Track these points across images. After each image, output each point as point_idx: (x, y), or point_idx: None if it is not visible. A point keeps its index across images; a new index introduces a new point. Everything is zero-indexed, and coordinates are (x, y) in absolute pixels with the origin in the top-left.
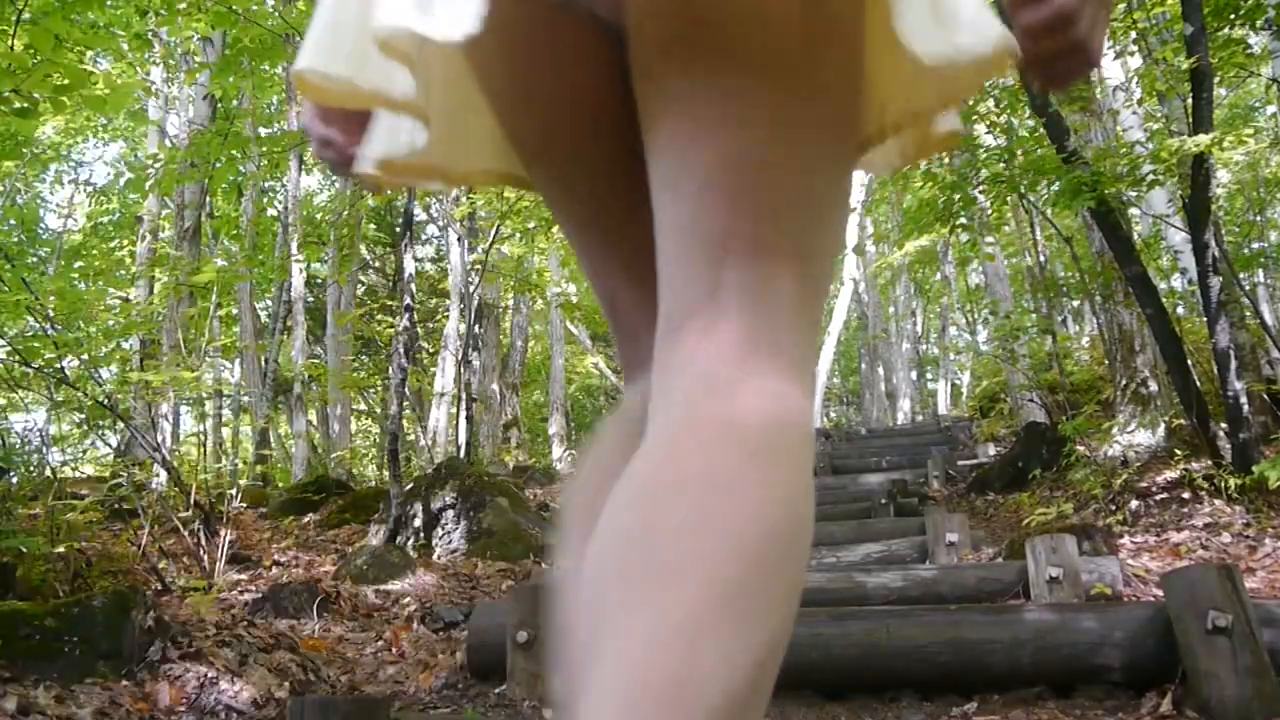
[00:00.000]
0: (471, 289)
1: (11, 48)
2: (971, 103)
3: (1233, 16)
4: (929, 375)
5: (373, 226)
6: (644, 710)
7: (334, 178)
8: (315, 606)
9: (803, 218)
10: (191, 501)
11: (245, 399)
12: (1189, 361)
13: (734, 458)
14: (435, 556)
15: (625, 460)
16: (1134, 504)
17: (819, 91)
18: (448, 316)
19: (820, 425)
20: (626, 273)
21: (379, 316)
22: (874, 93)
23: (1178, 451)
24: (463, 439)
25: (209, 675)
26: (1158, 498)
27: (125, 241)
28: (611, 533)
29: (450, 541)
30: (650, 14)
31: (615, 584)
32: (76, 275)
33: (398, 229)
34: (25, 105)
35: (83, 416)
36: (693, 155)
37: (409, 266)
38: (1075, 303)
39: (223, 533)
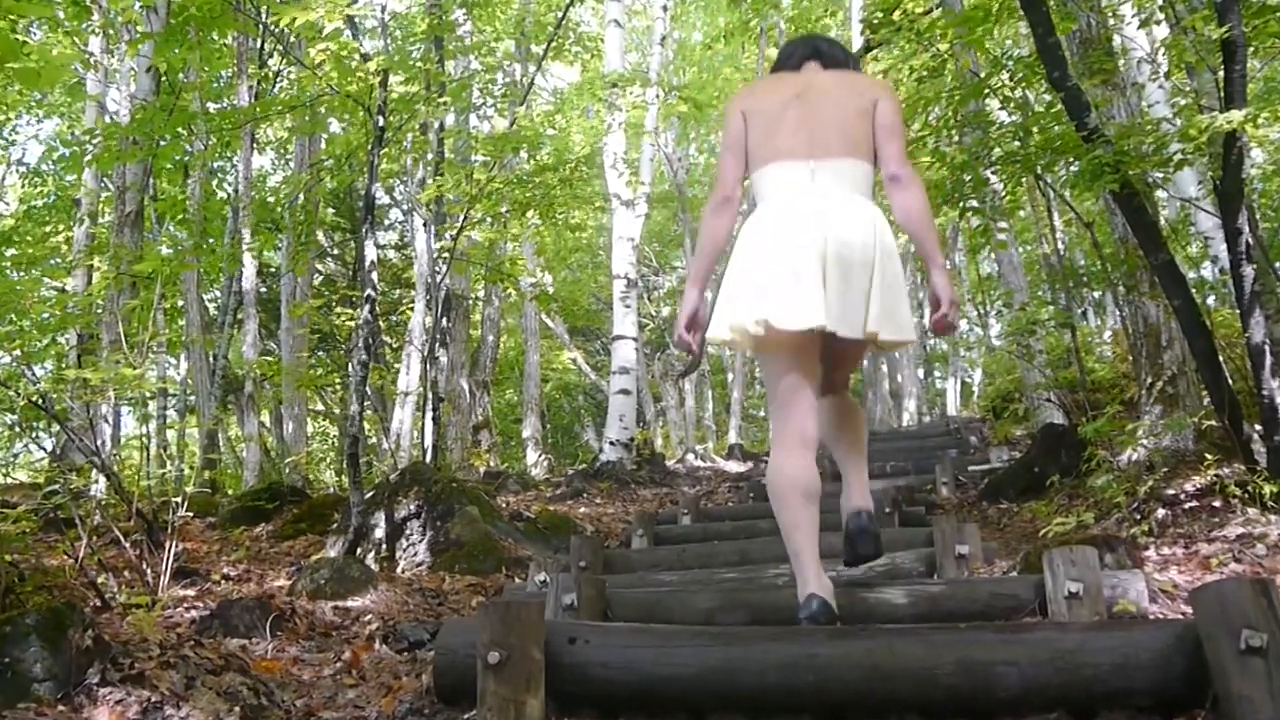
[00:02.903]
0: (439, 279)
1: None
2: (984, 75)
3: None
4: (937, 373)
5: (331, 211)
6: (856, 455)
7: (290, 157)
8: (268, 624)
9: (853, 370)
10: (133, 510)
11: (192, 399)
12: (1220, 358)
13: (856, 412)
14: (399, 570)
15: (815, 442)
16: (1160, 513)
17: (863, 352)
18: (412, 308)
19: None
20: (803, 391)
21: (338, 309)
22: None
23: (1208, 456)
24: (429, 442)
25: (152, 700)
26: (1186, 506)
27: (61, 226)
28: (840, 413)
29: (415, 554)
30: (830, 345)
31: (845, 428)
32: (8, 263)
33: (358, 213)
34: None
35: (15, 418)
36: (841, 363)
37: (370, 254)
38: (1096, 294)
39: (167, 544)
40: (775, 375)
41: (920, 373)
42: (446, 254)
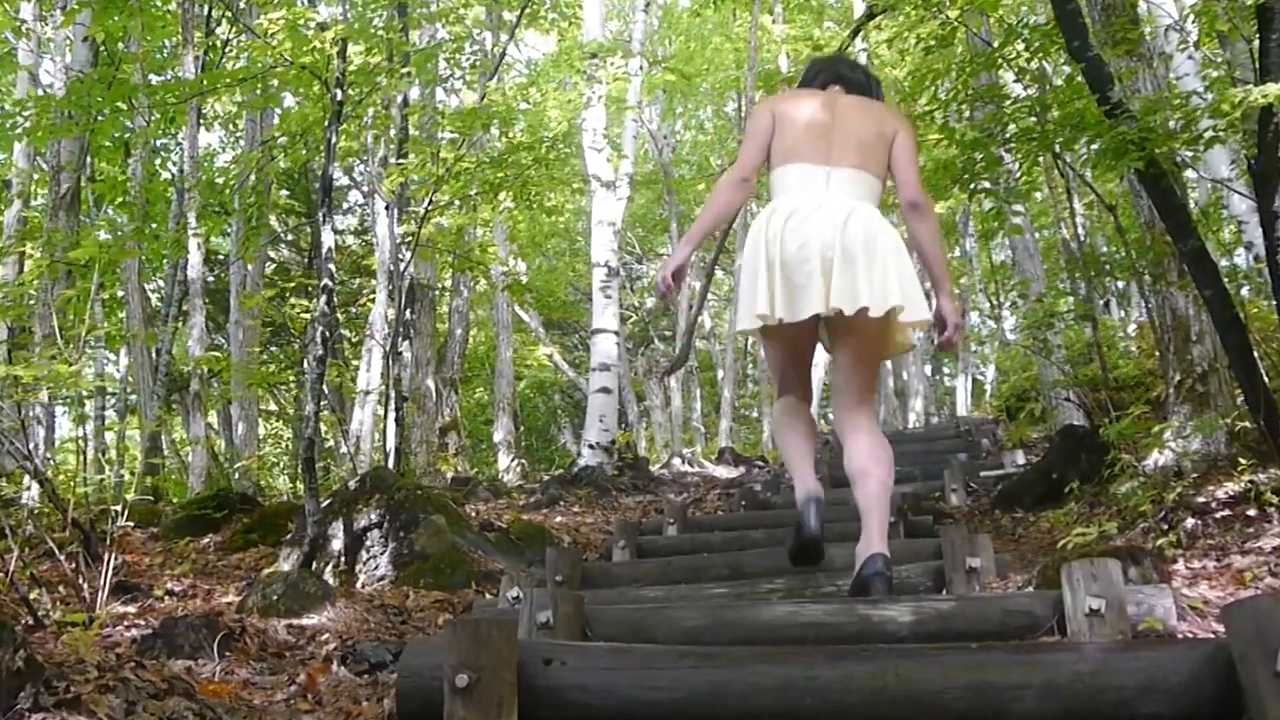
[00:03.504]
0: (402, 267)
1: None
2: (997, 45)
3: None
4: (946, 370)
5: (285, 193)
6: (882, 499)
7: (240, 134)
8: (216, 644)
9: (875, 383)
10: (69, 520)
11: (133, 398)
12: (1255, 353)
13: (885, 448)
14: (359, 585)
15: (804, 420)
16: (1190, 523)
17: (881, 349)
18: (373, 300)
19: (819, 430)
20: (800, 376)
21: (292, 300)
22: (888, 347)
23: (1242, 460)
24: (391, 445)
25: None
26: (1218, 515)
27: None
28: (867, 460)
29: (376, 567)
30: (840, 328)
31: (872, 467)
32: None
33: (315, 196)
34: None
35: None
36: (853, 361)
37: (328, 240)
38: (1120, 284)
39: (106, 557)
40: (774, 355)
41: (928, 369)
42: (411, 240)
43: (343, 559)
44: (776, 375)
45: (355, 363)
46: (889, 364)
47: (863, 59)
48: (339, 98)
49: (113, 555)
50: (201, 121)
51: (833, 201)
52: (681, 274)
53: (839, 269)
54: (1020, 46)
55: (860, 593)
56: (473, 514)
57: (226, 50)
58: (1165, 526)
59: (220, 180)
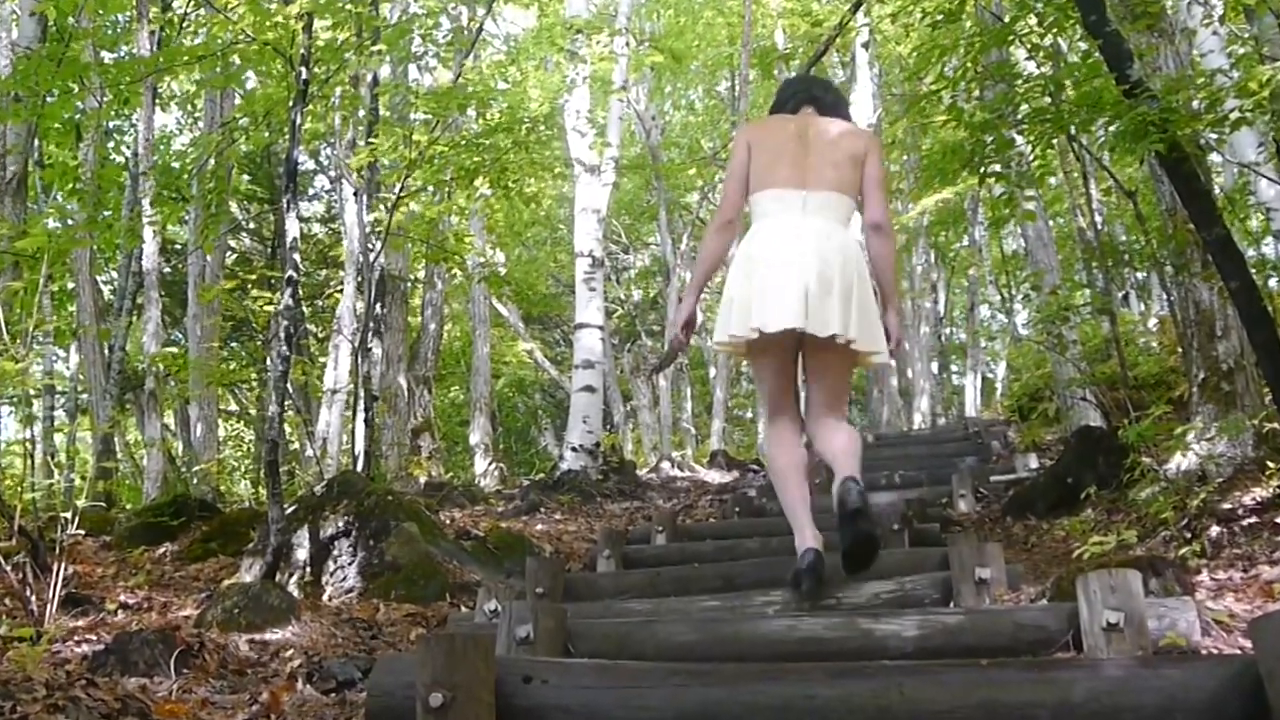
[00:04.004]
0: (372, 257)
1: None
2: (1008, 20)
3: None
4: (954, 367)
5: (246, 178)
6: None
7: (198, 115)
8: (172, 661)
9: (844, 396)
10: (15, 528)
11: (84, 397)
12: None
13: (855, 441)
14: (325, 597)
15: (797, 456)
16: (1214, 531)
17: (850, 365)
18: (341, 292)
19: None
20: (788, 390)
21: (254, 292)
22: (857, 363)
23: (1270, 464)
24: (360, 448)
25: None
26: (1245, 523)
27: None
28: (840, 449)
29: (344, 578)
30: (812, 345)
31: (843, 456)
32: None
33: (278, 181)
34: None
35: None
36: (825, 374)
37: (292, 229)
38: (1140, 275)
39: (55, 567)
40: (766, 374)
41: (934, 367)
42: (381, 228)
43: (308, 569)
44: (766, 397)
45: (321, 360)
46: (893, 361)
47: (864, 35)
48: (304, 76)
49: (62, 566)
50: (157, 102)
51: (810, 225)
52: (691, 324)
53: (814, 293)
54: (1033, 21)
55: (840, 504)
56: (447, 521)
57: (184, 26)
58: (1188, 535)
59: (178, 165)
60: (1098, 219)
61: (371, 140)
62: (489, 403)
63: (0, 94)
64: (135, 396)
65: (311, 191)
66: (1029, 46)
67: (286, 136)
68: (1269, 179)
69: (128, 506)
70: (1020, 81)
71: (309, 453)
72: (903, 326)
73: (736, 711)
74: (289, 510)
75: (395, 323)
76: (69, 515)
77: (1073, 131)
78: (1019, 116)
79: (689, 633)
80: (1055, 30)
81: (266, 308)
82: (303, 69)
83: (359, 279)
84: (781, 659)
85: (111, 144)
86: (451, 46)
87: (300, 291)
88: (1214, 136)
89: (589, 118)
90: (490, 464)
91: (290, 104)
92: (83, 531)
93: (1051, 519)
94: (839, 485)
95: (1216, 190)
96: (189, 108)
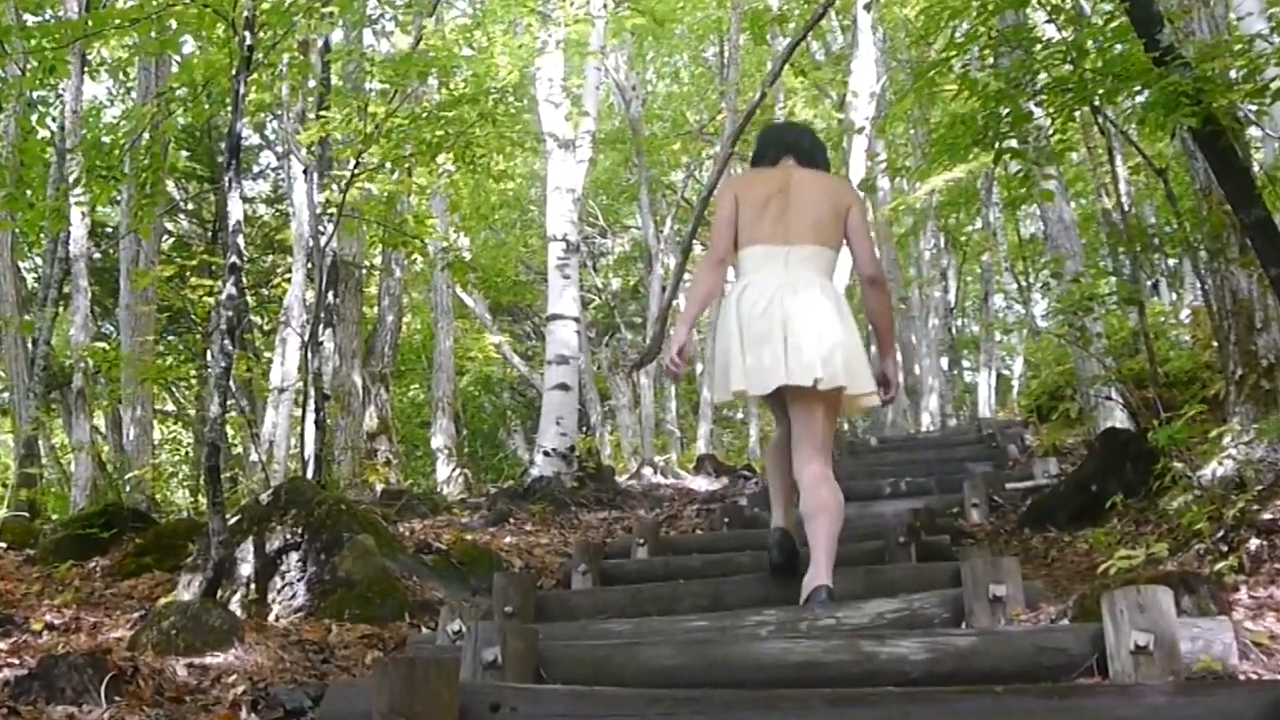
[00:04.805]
0: (323, 241)
1: None
2: None
3: None
4: (965, 363)
5: (185, 154)
6: (830, 537)
7: (132, 85)
8: (103, 687)
9: (829, 437)
10: None
11: (5, 396)
12: None
13: (836, 495)
14: (272, 616)
15: (788, 456)
16: (1253, 544)
17: (835, 411)
18: (289, 280)
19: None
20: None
21: (194, 280)
22: (843, 409)
23: None
24: (310, 452)
25: None
26: None
27: None
28: (817, 504)
29: (293, 596)
30: (794, 393)
31: (821, 516)
32: None
33: (220, 158)
34: None
35: None
36: (810, 419)
37: (236, 210)
38: (1171, 261)
39: None
40: (770, 408)
41: (944, 363)
42: (333, 209)
43: (253, 586)
44: (774, 417)
45: (268, 355)
46: (899, 357)
47: None
48: (248, 41)
49: None
50: (86, 70)
51: (792, 280)
52: (685, 352)
53: (794, 346)
54: None
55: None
56: (406, 533)
57: None
58: (1225, 548)
59: (108, 139)
60: (1124, 199)
61: (323, 112)
62: (453, 402)
63: None
64: (62, 395)
65: (256, 169)
66: (1048, 8)
67: (229, 108)
68: None
69: (54, 517)
70: (1039, 47)
71: (254, 458)
72: (899, 370)
73: None
74: (232, 521)
75: (349, 314)
76: None
77: (1097, 103)
78: (1037, 86)
79: (674, 656)
80: None
81: (207, 298)
82: (247, 33)
83: (309, 265)
84: (777, 685)
85: (35, 116)
86: (411, 9)
87: (244, 279)
88: (1253, 108)
89: (563, 87)
90: (454, 470)
91: (233, 72)
92: (4, 545)
93: (1074, 531)
94: (807, 599)
95: (1255, 167)
96: (121, 76)
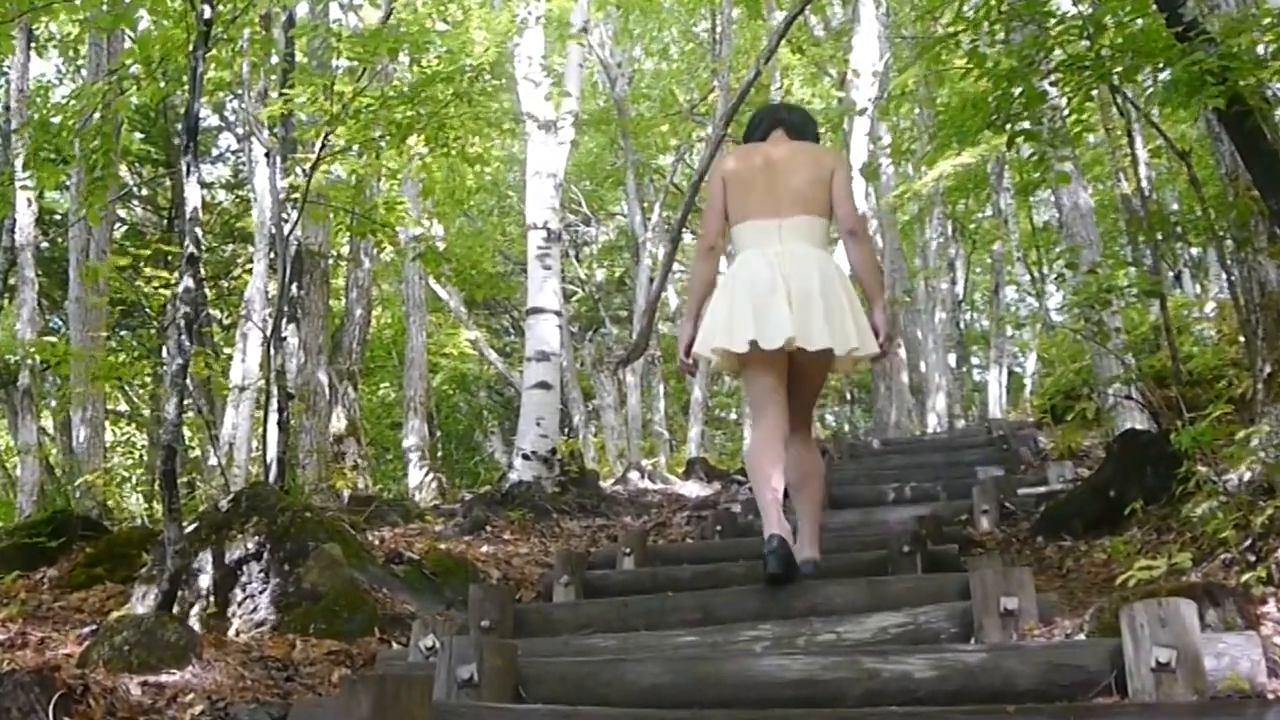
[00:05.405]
0: (287, 229)
1: None
2: None
3: None
4: (975, 360)
5: (139, 136)
6: (815, 516)
7: (82, 62)
8: (51, 707)
9: (815, 402)
10: None
11: None
12: None
13: (820, 461)
14: (232, 631)
15: (778, 462)
16: None
17: (825, 376)
18: (250, 271)
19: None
20: (779, 401)
21: (148, 271)
22: (832, 371)
23: None
24: (273, 455)
25: None
26: None
27: None
28: (810, 468)
29: (255, 609)
30: (801, 358)
31: (812, 481)
32: None
33: (176, 140)
34: None
35: None
36: (806, 385)
37: (193, 196)
38: (1195, 250)
39: None
40: (755, 385)
41: (952, 360)
42: (297, 195)
43: (212, 599)
44: (753, 400)
45: (228, 351)
46: (902, 354)
47: None
48: (207, 15)
49: None
50: (33, 46)
51: (788, 251)
52: (692, 349)
53: (799, 311)
54: None
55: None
56: (376, 542)
57: None
58: (1252, 558)
59: (57, 119)
60: (1145, 184)
61: (286, 91)
62: (425, 402)
63: None
64: (7, 394)
65: (216, 152)
66: None
67: (185, 87)
68: None
69: None
70: (1054, 22)
71: (213, 461)
72: (893, 323)
73: None
74: (189, 529)
75: (314, 307)
76: None
77: (1115, 81)
78: (1052, 64)
79: (662, 673)
80: None
81: (163, 290)
82: (205, 6)
83: (271, 255)
84: (772, 705)
85: None
86: None
87: (202, 270)
88: None
89: (543, 65)
90: (427, 474)
91: (190, 48)
92: None
93: (1090, 539)
94: (800, 565)
95: None
96: (71, 53)
